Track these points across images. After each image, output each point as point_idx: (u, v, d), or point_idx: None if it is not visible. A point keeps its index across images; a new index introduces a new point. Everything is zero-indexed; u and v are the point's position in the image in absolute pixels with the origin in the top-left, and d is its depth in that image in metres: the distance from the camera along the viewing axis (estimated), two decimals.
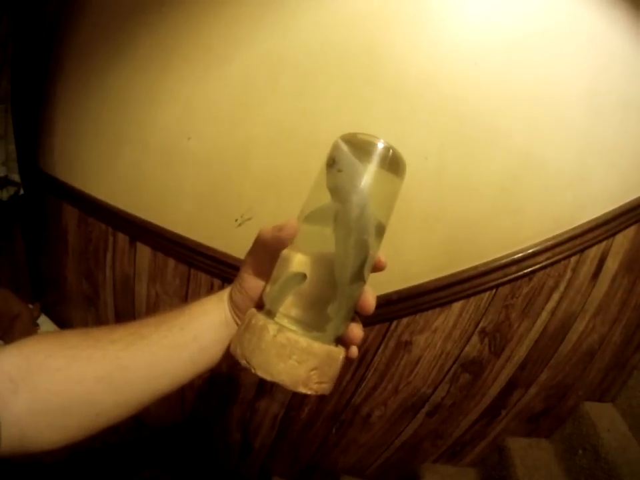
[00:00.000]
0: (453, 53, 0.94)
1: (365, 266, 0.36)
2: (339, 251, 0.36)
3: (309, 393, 0.34)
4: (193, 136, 1.12)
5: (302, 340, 0.34)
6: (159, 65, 1.15)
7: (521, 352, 1.15)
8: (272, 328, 0.34)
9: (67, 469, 1.43)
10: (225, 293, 0.44)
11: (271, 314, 0.37)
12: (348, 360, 0.41)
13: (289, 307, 0.37)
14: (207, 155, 1.12)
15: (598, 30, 0.94)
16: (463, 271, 1.03)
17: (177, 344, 0.39)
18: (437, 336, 1.10)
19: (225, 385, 1.32)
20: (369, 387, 1.18)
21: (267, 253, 0.39)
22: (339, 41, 0.97)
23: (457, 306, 1.06)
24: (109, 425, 0.36)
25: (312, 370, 0.34)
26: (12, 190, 1.43)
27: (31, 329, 1.50)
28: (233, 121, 1.08)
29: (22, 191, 1.45)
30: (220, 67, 1.07)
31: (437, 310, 1.06)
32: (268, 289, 0.39)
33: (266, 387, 1.27)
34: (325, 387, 0.36)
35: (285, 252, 0.39)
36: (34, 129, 1.49)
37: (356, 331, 0.41)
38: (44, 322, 1.62)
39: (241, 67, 1.05)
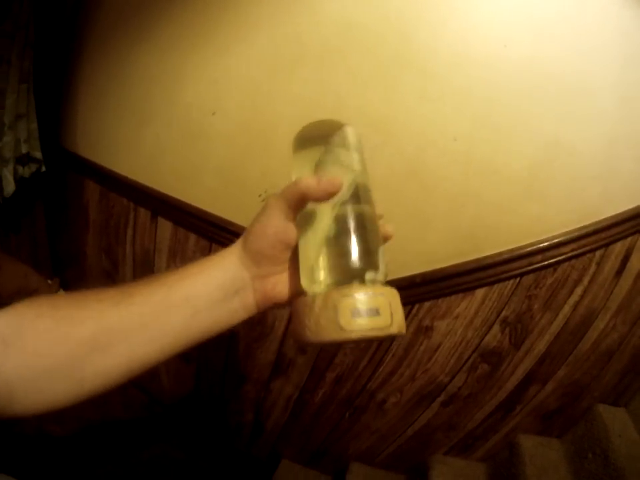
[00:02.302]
0: (482, 34, 0.93)
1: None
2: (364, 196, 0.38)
3: (399, 334, 0.34)
4: (217, 111, 1.13)
5: (376, 290, 0.34)
6: (184, 42, 1.16)
7: (541, 346, 1.14)
8: (344, 294, 0.33)
9: (77, 442, 1.44)
10: (231, 250, 0.39)
11: (324, 286, 0.36)
12: None
13: (336, 269, 0.36)
14: (232, 131, 1.13)
15: (627, 19, 0.92)
16: (488, 257, 1.03)
17: (166, 305, 0.35)
18: (458, 322, 1.09)
19: (240, 364, 1.32)
20: (386, 372, 1.18)
21: (299, 204, 0.36)
22: (366, 19, 0.97)
23: (480, 292, 1.06)
24: (96, 393, 0.34)
25: (392, 314, 0.34)
26: (34, 167, 1.46)
27: None
28: (258, 96, 1.09)
29: (44, 168, 1.47)
30: (246, 43, 1.08)
31: (460, 295, 1.06)
32: (320, 261, 0.36)
33: (281, 368, 1.27)
34: (404, 326, 0.36)
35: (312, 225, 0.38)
36: (56, 108, 1.52)
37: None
38: None
39: (267, 44, 1.06)
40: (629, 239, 1.08)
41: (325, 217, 0.37)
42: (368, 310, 0.32)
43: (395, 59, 0.97)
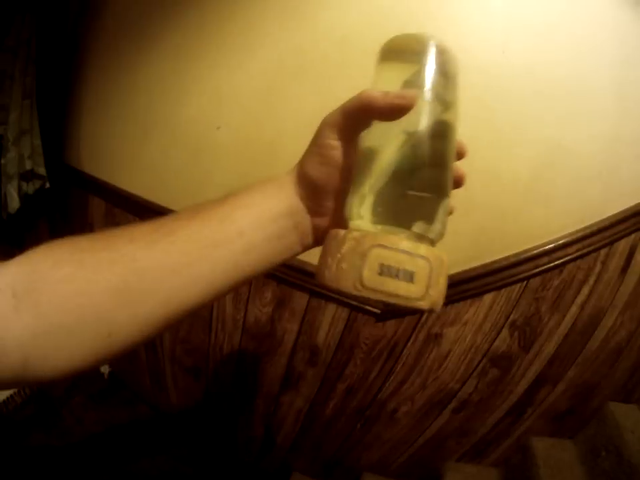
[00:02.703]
0: (480, 41, 0.94)
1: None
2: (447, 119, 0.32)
3: (430, 311, 0.29)
4: (222, 125, 1.13)
5: (420, 250, 0.28)
6: (187, 57, 1.16)
7: (550, 347, 1.14)
8: (379, 241, 0.27)
9: (83, 457, 1.43)
10: (287, 176, 0.34)
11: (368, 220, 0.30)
12: None
13: (384, 207, 0.30)
14: (236, 146, 1.13)
15: (623, 20, 0.94)
16: (494, 262, 1.03)
17: (215, 241, 0.30)
18: (467, 329, 1.09)
19: (249, 378, 1.31)
20: (397, 381, 1.17)
21: (360, 120, 0.31)
22: (366, 31, 0.98)
23: (488, 298, 1.06)
24: (126, 348, 0.29)
25: (429, 286, 0.28)
26: (38, 183, 1.45)
27: None
28: (262, 111, 1.09)
29: (48, 184, 1.46)
30: (249, 57, 1.08)
31: (468, 301, 1.06)
32: (370, 192, 0.31)
33: (291, 381, 1.26)
34: (439, 303, 0.30)
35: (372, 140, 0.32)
36: (59, 124, 1.51)
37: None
38: None
39: (270, 58, 1.06)
40: (633, 236, 1.08)
41: (391, 142, 0.31)
42: (401, 271, 0.27)
43: None
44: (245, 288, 1.21)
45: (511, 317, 1.08)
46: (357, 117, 0.31)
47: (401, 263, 0.27)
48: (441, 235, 0.31)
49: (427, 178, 0.30)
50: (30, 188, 1.44)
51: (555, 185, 1.01)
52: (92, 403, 1.65)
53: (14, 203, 1.39)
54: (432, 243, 0.31)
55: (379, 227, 0.30)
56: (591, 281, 1.09)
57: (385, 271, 0.26)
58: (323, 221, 0.34)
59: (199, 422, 1.54)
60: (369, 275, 0.26)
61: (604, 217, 1.05)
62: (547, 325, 1.11)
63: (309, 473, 1.43)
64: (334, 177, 0.32)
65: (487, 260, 1.03)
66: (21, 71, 1.31)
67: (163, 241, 0.29)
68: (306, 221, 0.33)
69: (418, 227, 0.30)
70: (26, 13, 1.29)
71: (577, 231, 1.04)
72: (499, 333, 1.10)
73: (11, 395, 1.50)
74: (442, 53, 0.33)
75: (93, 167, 1.42)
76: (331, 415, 1.28)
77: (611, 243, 1.07)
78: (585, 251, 1.05)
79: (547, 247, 1.02)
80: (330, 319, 1.16)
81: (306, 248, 0.35)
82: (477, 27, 0.93)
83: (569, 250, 1.04)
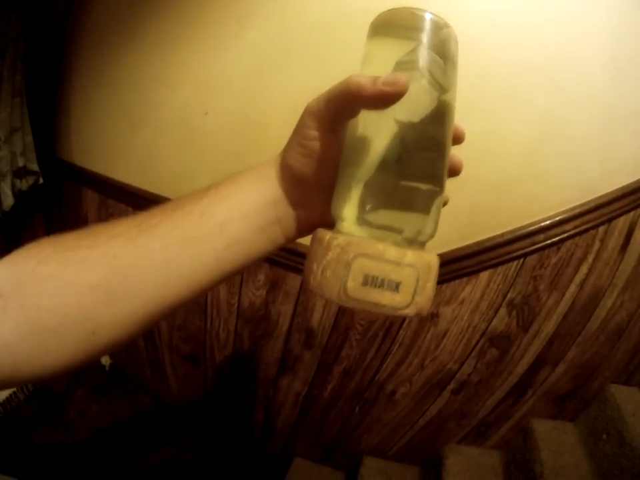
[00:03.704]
0: (468, 15, 0.92)
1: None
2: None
3: (416, 315, 0.28)
4: (209, 110, 1.12)
5: (407, 257, 0.26)
6: (171, 43, 1.16)
7: (549, 327, 1.13)
8: (365, 250, 0.26)
9: (87, 448, 1.44)
10: (269, 167, 0.33)
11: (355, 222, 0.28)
12: None
13: (371, 209, 0.28)
14: (224, 131, 1.13)
15: None
16: (489, 239, 1.01)
17: (195, 236, 0.29)
18: (464, 308, 1.08)
19: (246, 363, 1.31)
20: (394, 362, 1.17)
21: (346, 109, 0.29)
22: (351, 11, 0.96)
23: (484, 276, 1.05)
24: (112, 346, 0.29)
25: (415, 293, 0.27)
26: (31, 179, 1.46)
27: None
28: (249, 94, 1.08)
29: (41, 180, 1.48)
30: (234, 39, 1.07)
31: (464, 280, 1.05)
32: (357, 191, 0.28)
33: (288, 364, 1.26)
34: (425, 307, 0.28)
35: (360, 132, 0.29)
36: (50, 119, 1.52)
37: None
38: None
39: (256, 39, 1.05)
40: (632, 214, 1.07)
41: (380, 132, 0.28)
42: (386, 281, 0.26)
43: None
44: None
45: (509, 295, 1.07)
46: (343, 106, 0.28)
47: (386, 273, 0.26)
48: (432, 235, 0.29)
49: (419, 174, 0.28)
50: (24, 184, 1.45)
51: (550, 160, 1.00)
52: (94, 395, 1.67)
53: (8, 200, 1.41)
54: (422, 245, 0.29)
55: (366, 230, 0.28)
56: (590, 259, 1.07)
57: (369, 281, 0.26)
58: (307, 213, 0.33)
59: (200, 410, 1.55)
60: (353, 285, 0.26)
61: (602, 193, 1.03)
62: (545, 303, 1.10)
63: (310, 457, 1.44)
64: (317, 169, 0.30)
65: (482, 237, 1.02)
66: (10, 69, 1.32)
67: (143, 236, 0.29)
68: (289, 212, 0.32)
69: (408, 229, 0.28)
70: (12, 12, 1.30)
71: (574, 207, 1.02)
72: (496, 312, 1.09)
73: (14, 392, 1.52)
74: (439, 29, 0.30)
75: (85, 160, 1.43)
76: (329, 398, 1.28)
77: (610, 220, 1.05)
78: (582, 228, 1.03)
79: (543, 224, 1.01)
80: (324, 301, 1.15)
81: (289, 240, 0.34)
82: (465, 1, 0.92)
83: (566, 227, 1.02)
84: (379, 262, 0.25)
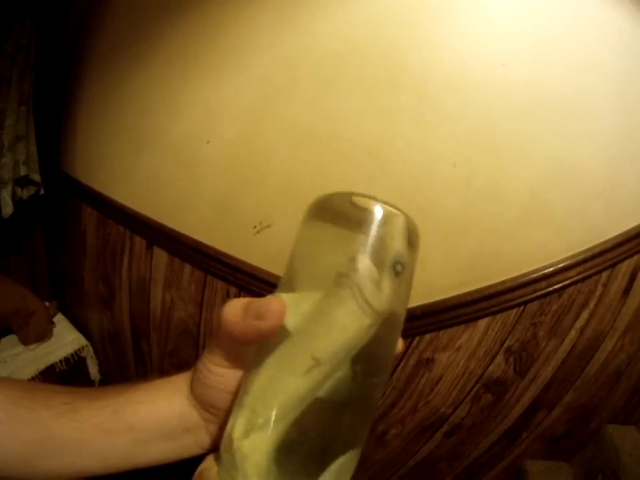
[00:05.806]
0: (479, 54, 0.89)
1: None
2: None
3: None
4: (211, 139, 1.09)
5: None
6: (178, 70, 1.13)
7: (547, 372, 1.09)
8: None
9: None
10: (184, 381, 0.34)
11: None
12: None
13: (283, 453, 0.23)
14: (226, 160, 1.09)
15: (626, 32, 0.88)
16: (490, 286, 0.97)
17: (107, 429, 0.32)
18: (460, 354, 1.04)
19: None
20: (387, 404, 1.13)
21: (236, 345, 0.28)
22: (359, 45, 0.93)
23: (482, 323, 1.01)
24: None
25: None
26: (32, 189, 1.43)
27: (46, 327, 1.51)
28: (252, 125, 1.04)
29: (42, 191, 1.44)
30: (238, 71, 1.04)
31: (462, 327, 1.01)
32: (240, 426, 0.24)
33: None
34: None
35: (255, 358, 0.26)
36: (55, 131, 1.49)
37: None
38: (60, 320, 1.61)
39: (260, 72, 1.02)
40: (635, 257, 1.03)
41: (293, 368, 0.24)
42: None
43: (389, 84, 0.92)
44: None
45: (507, 342, 1.03)
46: (227, 344, 0.28)
47: None
48: None
49: (332, 429, 0.23)
50: (24, 193, 1.42)
51: (555, 205, 0.96)
52: None
53: (8, 208, 1.37)
54: None
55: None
56: (592, 304, 1.04)
57: None
58: (218, 427, 0.32)
59: None
60: None
61: (607, 237, 0.99)
62: (544, 350, 1.06)
63: None
64: (221, 398, 0.30)
65: (483, 284, 0.98)
66: (19, 76, 1.28)
67: (68, 416, 0.32)
68: (200, 425, 0.33)
69: None
70: (25, 18, 1.26)
71: (578, 254, 0.98)
72: (493, 359, 1.05)
73: None
74: (385, 225, 0.24)
75: (87, 176, 1.40)
76: None
77: (614, 265, 1.02)
78: (586, 274, 0.99)
79: (546, 271, 0.97)
80: None
81: (205, 449, 0.34)
82: (476, 40, 0.88)
83: (570, 273, 0.99)
84: None
